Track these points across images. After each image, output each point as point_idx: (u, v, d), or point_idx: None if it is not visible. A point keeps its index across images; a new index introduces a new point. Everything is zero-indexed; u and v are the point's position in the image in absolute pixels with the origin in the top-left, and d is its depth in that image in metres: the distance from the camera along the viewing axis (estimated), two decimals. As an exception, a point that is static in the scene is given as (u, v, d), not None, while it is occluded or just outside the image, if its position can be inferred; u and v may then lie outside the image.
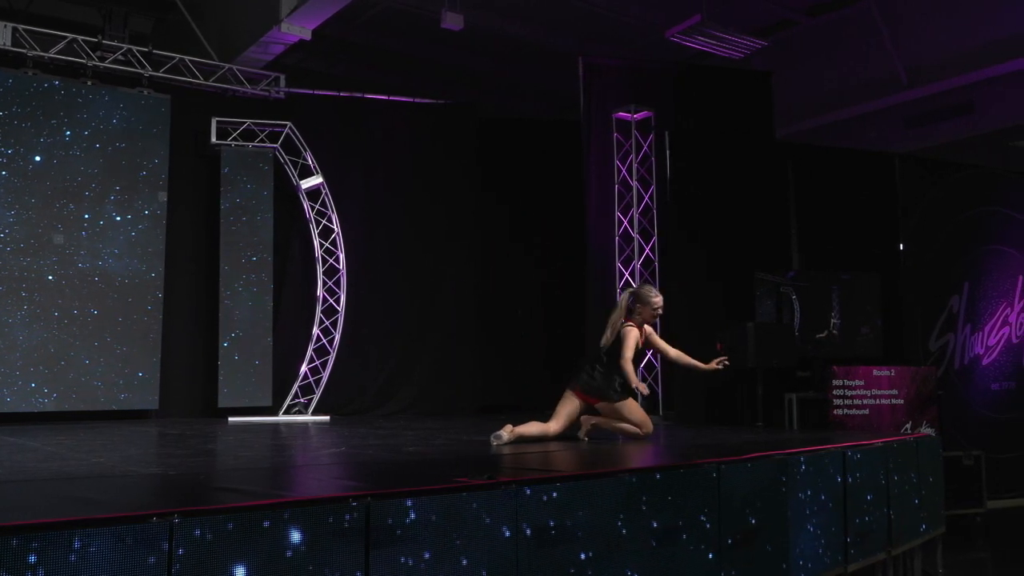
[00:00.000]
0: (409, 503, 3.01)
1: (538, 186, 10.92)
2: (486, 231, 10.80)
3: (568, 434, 6.09)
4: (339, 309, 9.80)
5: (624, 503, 3.70)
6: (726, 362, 5.99)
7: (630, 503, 3.72)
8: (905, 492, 5.55)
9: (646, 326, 6.10)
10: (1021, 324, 9.47)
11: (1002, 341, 9.32)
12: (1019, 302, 9.46)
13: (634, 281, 9.29)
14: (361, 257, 10.10)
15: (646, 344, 6.16)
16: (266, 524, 2.68)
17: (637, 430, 6.00)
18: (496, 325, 10.75)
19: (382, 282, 10.21)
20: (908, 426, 7.36)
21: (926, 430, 7.21)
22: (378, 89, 10.76)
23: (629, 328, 5.97)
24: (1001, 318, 9.32)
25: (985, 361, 9.18)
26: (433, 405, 10.12)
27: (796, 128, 11.97)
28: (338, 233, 9.92)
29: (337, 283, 9.88)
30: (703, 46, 9.89)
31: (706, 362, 6.01)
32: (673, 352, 6.16)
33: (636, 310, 6.04)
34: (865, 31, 10.81)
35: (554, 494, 3.43)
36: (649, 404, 9.11)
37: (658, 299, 6.06)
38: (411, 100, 10.66)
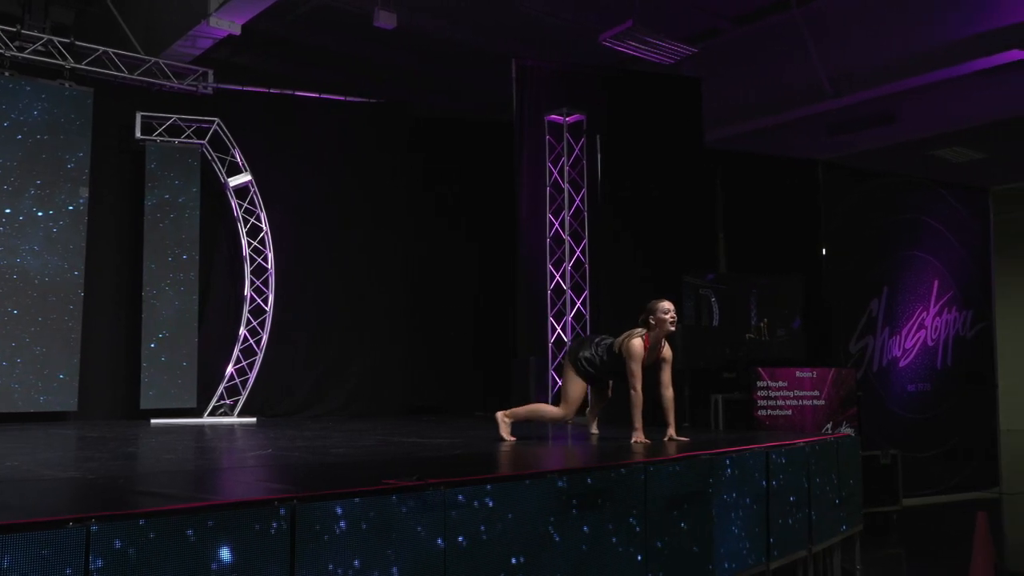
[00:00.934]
0: (336, 506, 2.98)
1: (471, 187, 10.94)
2: (418, 231, 10.78)
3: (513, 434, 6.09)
4: (267, 309, 9.66)
5: (554, 506, 3.72)
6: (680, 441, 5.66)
7: (560, 506, 3.75)
8: (826, 491, 5.69)
9: (666, 348, 5.73)
10: (936, 328, 9.79)
11: (918, 344, 9.63)
12: (935, 306, 9.79)
13: (564, 283, 9.36)
14: (290, 256, 9.98)
15: (652, 364, 5.73)
16: (189, 532, 2.64)
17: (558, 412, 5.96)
18: (427, 326, 10.73)
19: (312, 282, 10.11)
20: (829, 426, 7.56)
21: (846, 430, 7.41)
22: (310, 87, 10.64)
23: (634, 341, 5.61)
24: (917, 322, 9.63)
25: (902, 363, 9.48)
26: (362, 406, 10.05)
27: (724, 133, 12.18)
28: (267, 232, 9.78)
29: (265, 283, 9.74)
30: (634, 51, 10.00)
31: (677, 433, 5.74)
32: (668, 394, 5.71)
33: (650, 323, 5.67)
34: (791, 40, 11.05)
35: (487, 500, 3.43)
36: (580, 407, 9.19)
37: (664, 303, 5.67)
38: (344, 98, 10.57)
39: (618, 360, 5.75)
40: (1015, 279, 17.94)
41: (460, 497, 3.35)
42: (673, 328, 5.69)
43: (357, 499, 3.04)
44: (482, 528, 3.41)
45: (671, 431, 5.73)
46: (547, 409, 6.23)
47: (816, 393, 7.52)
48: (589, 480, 3.89)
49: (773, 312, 8.48)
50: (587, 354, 5.96)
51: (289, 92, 10.30)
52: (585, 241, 9.47)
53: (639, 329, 5.73)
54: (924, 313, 9.70)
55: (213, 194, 9.77)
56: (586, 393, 6.10)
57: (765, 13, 11.17)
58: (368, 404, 10.10)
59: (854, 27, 10.68)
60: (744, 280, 8.69)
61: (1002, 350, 10.60)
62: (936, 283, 9.84)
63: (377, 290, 10.40)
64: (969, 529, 5.33)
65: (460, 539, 3.32)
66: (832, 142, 12.62)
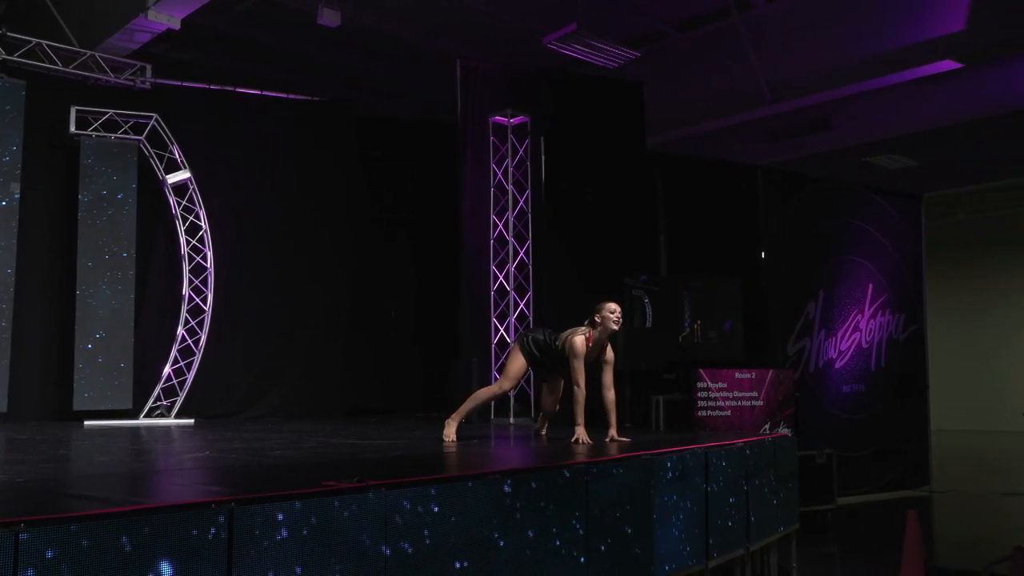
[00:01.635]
0: (276, 510, 2.94)
1: (414, 187, 10.90)
2: (360, 231, 10.70)
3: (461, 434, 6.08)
4: (206, 308, 9.50)
5: (498, 508, 3.72)
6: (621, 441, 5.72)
7: (504, 508, 3.74)
8: (764, 490, 5.79)
9: (608, 350, 5.82)
10: (871, 330, 10.02)
11: (853, 346, 9.84)
12: (869, 309, 10.02)
13: (508, 284, 9.37)
14: (230, 255, 9.82)
15: (593, 363, 5.82)
16: (124, 540, 2.57)
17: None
18: (368, 326, 10.66)
19: (252, 281, 9.96)
20: (767, 427, 7.68)
21: (783, 430, 7.54)
22: (252, 83, 10.49)
23: (576, 338, 5.71)
24: (853, 324, 9.85)
25: (838, 365, 9.68)
26: (303, 407, 9.94)
27: (667, 137, 12.32)
28: (206, 230, 9.62)
29: (204, 282, 9.58)
30: (579, 54, 10.07)
31: (618, 434, 5.78)
32: (610, 396, 5.79)
33: (596, 321, 5.78)
34: (732, 47, 11.22)
35: (430, 503, 3.42)
36: (522, 408, 9.22)
37: (611, 304, 5.80)
38: (286, 96, 10.45)
39: (562, 354, 5.86)
40: (946, 283, 18.46)
41: (403, 500, 3.33)
42: (616, 327, 5.79)
43: (298, 503, 3.00)
44: (426, 532, 3.39)
45: (613, 432, 5.79)
46: (483, 391, 6.35)
47: (755, 394, 7.64)
48: (533, 484, 3.90)
49: (706, 314, 8.57)
50: (538, 336, 6.04)
51: (230, 88, 10.14)
52: (529, 242, 9.50)
53: (583, 328, 5.83)
54: (859, 316, 9.92)
55: (151, 191, 9.57)
56: (525, 372, 6.14)
57: (708, 20, 11.33)
58: (308, 405, 9.99)
59: (793, 35, 10.88)
60: (677, 282, 8.78)
61: (933, 352, 10.89)
62: (871, 287, 10.07)
63: (318, 290, 10.29)
64: (901, 527, 5.46)
65: (404, 545, 3.30)
66: (772, 148, 12.85)
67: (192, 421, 9.10)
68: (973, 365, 19.29)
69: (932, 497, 9.94)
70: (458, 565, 3.49)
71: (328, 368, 10.23)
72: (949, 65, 10.12)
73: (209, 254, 9.60)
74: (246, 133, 10.13)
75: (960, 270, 19.72)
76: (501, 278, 9.45)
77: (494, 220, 9.53)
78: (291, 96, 10.47)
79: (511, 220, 9.49)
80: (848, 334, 9.79)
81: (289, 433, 7.14)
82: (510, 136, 9.61)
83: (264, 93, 10.30)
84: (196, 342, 9.42)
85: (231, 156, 10.03)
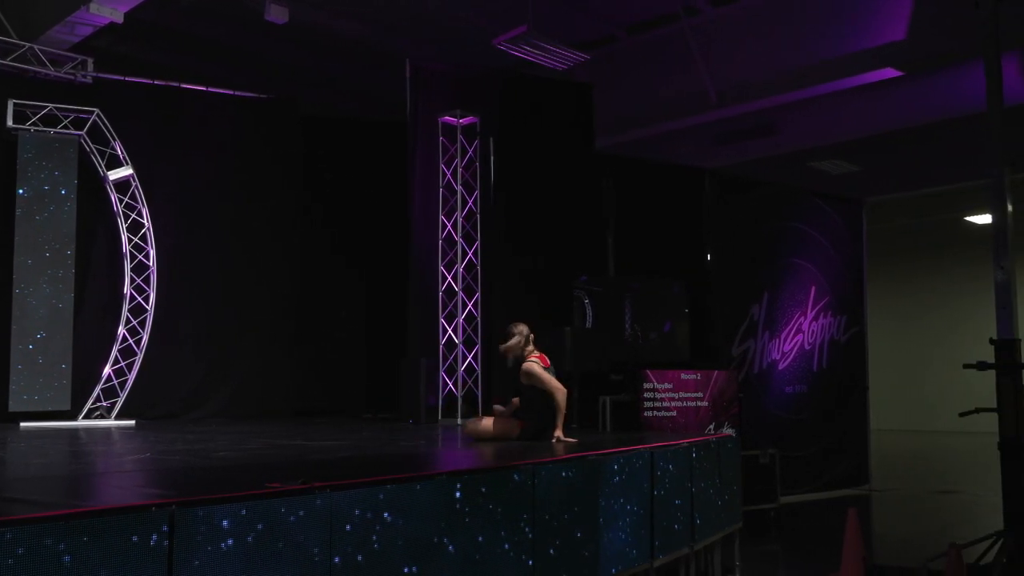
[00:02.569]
0: (220, 515, 2.90)
1: (362, 187, 10.83)
2: (307, 230, 10.60)
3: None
4: (148, 308, 9.34)
5: (445, 509, 3.70)
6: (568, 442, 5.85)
7: (452, 509, 3.73)
8: (708, 490, 5.86)
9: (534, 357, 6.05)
10: (813, 332, 10.20)
11: (796, 347, 10.01)
12: (812, 311, 10.19)
13: (456, 285, 9.36)
14: (173, 254, 9.66)
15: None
16: (62, 547, 2.51)
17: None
18: (315, 327, 10.57)
19: (195, 280, 9.81)
20: (712, 427, 7.77)
21: (727, 430, 7.63)
22: (197, 79, 10.33)
23: (527, 364, 5.92)
24: (795, 326, 10.01)
25: (781, 366, 9.83)
26: (248, 409, 9.82)
27: (616, 140, 12.40)
28: (148, 228, 9.45)
29: (146, 280, 9.41)
30: (529, 56, 10.08)
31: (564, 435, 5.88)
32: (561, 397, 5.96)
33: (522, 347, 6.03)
34: (681, 52, 11.34)
35: (376, 504, 3.39)
36: (470, 408, 9.22)
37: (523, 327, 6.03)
38: (232, 92, 10.31)
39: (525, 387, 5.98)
40: (885, 286, 18.85)
41: (349, 502, 3.30)
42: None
43: (244, 511, 2.95)
44: (374, 538, 3.36)
45: (558, 432, 5.82)
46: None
47: (700, 395, 7.73)
48: (483, 488, 3.89)
49: (648, 316, 8.64)
50: None
51: (175, 84, 9.98)
52: (478, 243, 9.50)
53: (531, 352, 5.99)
54: (802, 318, 10.09)
55: (92, 188, 9.37)
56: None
57: (657, 24, 11.43)
58: (253, 406, 9.87)
59: (739, 42, 11.04)
60: (619, 284, 8.83)
61: (873, 353, 11.10)
62: (813, 289, 10.24)
63: (264, 290, 10.18)
64: (841, 525, 5.56)
65: (349, 548, 3.27)
66: (719, 151, 13.01)
67: (133, 423, 8.93)
68: (911, 366, 19.75)
69: (871, 496, 10.14)
70: (406, 570, 3.47)
71: (274, 369, 10.12)
72: (890, 73, 10.34)
73: (152, 252, 9.43)
74: (190, 130, 9.98)
75: (899, 273, 20.19)
76: (450, 278, 9.43)
77: (443, 220, 9.51)
78: (237, 93, 10.34)
79: (460, 221, 9.48)
80: (791, 336, 9.95)
81: (234, 435, 7.05)
82: (459, 136, 9.60)
83: (209, 89, 10.16)
84: (138, 342, 9.25)
85: (175, 153, 9.87)
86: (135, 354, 9.22)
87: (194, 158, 9.96)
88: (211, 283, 9.89)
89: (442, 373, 9.29)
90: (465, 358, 9.33)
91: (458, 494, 3.77)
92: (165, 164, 9.78)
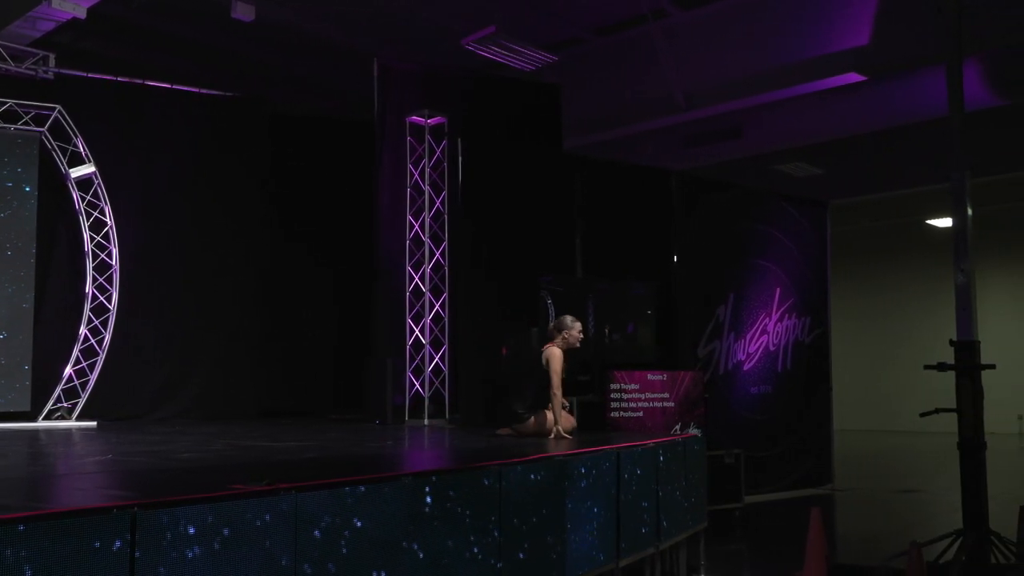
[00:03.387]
0: (181, 514, 2.86)
1: (329, 186, 10.76)
2: (273, 230, 10.51)
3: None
4: (110, 307, 9.21)
5: (412, 509, 3.69)
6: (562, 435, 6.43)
7: (418, 510, 3.72)
8: (673, 490, 5.89)
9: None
10: (778, 333, 10.29)
11: (761, 348, 10.09)
12: (776, 312, 10.29)
13: (423, 285, 9.33)
14: (136, 253, 9.54)
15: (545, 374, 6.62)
16: (23, 553, 2.47)
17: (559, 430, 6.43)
18: (281, 327, 10.49)
19: (159, 280, 9.69)
20: (678, 427, 7.80)
21: (693, 431, 7.66)
22: (161, 76, 10.21)
23: (554, 350, 6.58)
24: (761, 327, 10.10)
25: (746, 367, 9.91)
26: (212, 409, 9.71)
27: (584, 141, 12.45)
28: (111, 226, 9.32)
29: (109, 280, 9.28)
30: (497, 56, 10.11)
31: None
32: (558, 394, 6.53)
33: (564, 336, 6.69)
34: (648, 54, 11.41)
35: (344, 506, 3.37)
36: (437, 409, 9.20)
37: (579, 324, 6.75)
38: (197, 90, 10.19)
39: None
40: (848, 287, 19.09)
41: (315, 504, 3.27)
42: (578, 346, 6.80)
43: (209, 514, 2.92)
44: (342, 543, 3.34)
45: (557, 426, 6.45)
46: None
47: (666, 395, 7.76)
48: (451, 492, 3.88)
49: (612, 317, 8.66)
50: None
51: (139, 81, 9.85)
52: (445, 243, 9.48)
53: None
54: (767, 319, 10.18)
55: (53, 186, 9.23)
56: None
57: (625, 26, 11.49)
58: (218, 407, 9.76)
59: (706, 45, 11.12)
60: (581, 284, 8.84)
61: (836, 354, 11.22)
62: (778, 291, 10.34)
63: (229, 289, 10.07)
64: (805, 524, 5.62)
65: (316, 553, 3.24)
66: (686, 154, 13.10)
67: (95, 424, 8.81)
68: (873, 367, 20.02)
69: (834, 495, 10.25)
70: (375, 574, 3.45)
71: (239, 369, 10.03)
72: (854, 78, 10.47)
73: (114, 251, 9.31)
74: (155, 127, 9.86)
75: (862, 275, 20.45)
76: (417, 279, 9.41)
77: (410, 221, 9.48)
78: (202, 91, 10.23)
79: (427, 221, 9.45)
80: (756, 337, 10.04)
81: (197, 435, 6.98)
82: (427, 136, 9.57)
83: (174, 87, 10.04)
84: (100, 342, 9.12)
85: (138, 151, 9.74)
86: (97, 354, 9.10)
87: (158, 156, 9.84)
88: (175, 282, 9.77)
89: (409, 373, 9.26)
90: (432, 358, 9.31)
91: (428, 498, 3.76)
92: (128, 162, 9.65)
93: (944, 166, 6.50)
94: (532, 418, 6.62)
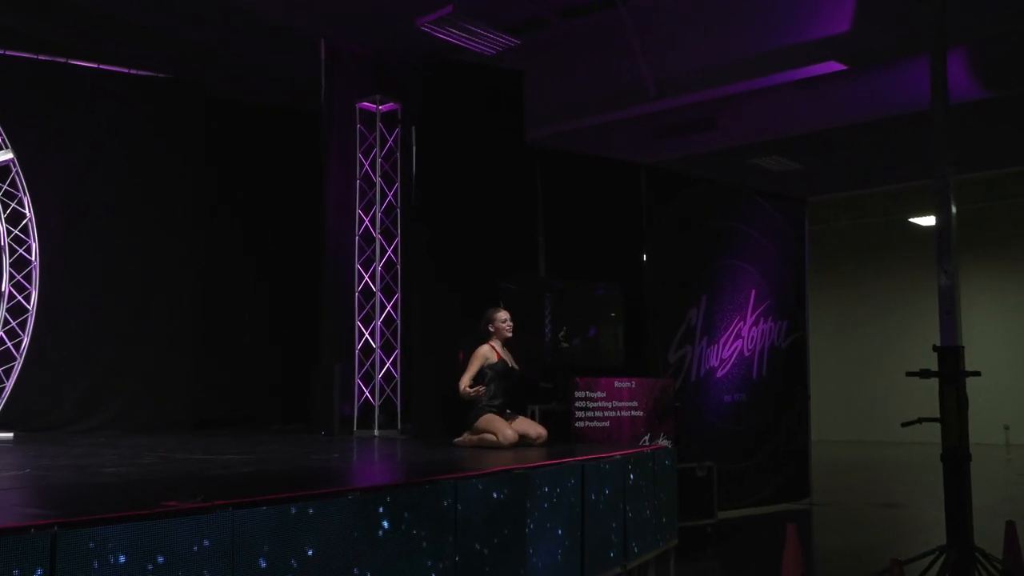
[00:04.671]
0: (107, 533, 2.82)
1: (271, 178, 10.68)
2: (209, 225, 10.40)
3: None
4: (29, 308, 9.06)
5: (362, 527, 3.66)
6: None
7: (367, 527, 3.70)
8: (642, 505, 5.92)
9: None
10: (753, 338, 10.39)
11: (735, 354, 10.19)
12: (751, 316, 10.39)
13: (374, 285, 9.29)
14: (59, 249, 9.39)
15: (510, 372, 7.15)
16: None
17: (494, 439, 6.67)
18: (219, 330, 10.38)
19: (83, 278, 9.54)
20: (647, 438, 7.85)
21: (663, 441, 7.71)
22: (87, 55, 10.05)
23: (479, 348, 7.03)
24: (735, 331, 10.19)
25: (719, 373, 10.00)
26: (142, 420, 9.58)
27: (548, 131, 12.46)
28: (31, 219, 9.17)
29: (28, 277, 9.12)
30: (455, 39, 10.08)
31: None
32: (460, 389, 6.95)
33: (488, 330, 7.16)
34: (617, 38, 11.45)
35: (287, 524, 3.34)
36: (388, 419, 9.16)
37: (502, 312, 7.18)
38: (127, 71, 10.06)
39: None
40: (826, 290, 19.33)
41: (255, 521, 3.24)
42: (510, 335, 7.19)
43: (138, 533, 2.88)
44: (293, 563, 3.31)
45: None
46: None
47: (634, 404, 7.80)
48: (406, 511, 3.86)
49: (573, 320, 8.68)
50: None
51: (62, 60, 9.69)
52: (397, 239, 9.45)
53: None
54: (741, 323, 10.27)
55: (-34, 174, 9.06)
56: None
57: (592, 8, 11.52)
58: (149, 417, 9.64)
59: (679, 29, 11.19)
60: (538, 284, 8.85)
61: (814, 361, 11.36)
62: (753, 292, 10.44)
63: (162, 288, 9.94)
64: (781, 540, 5.68)
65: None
66: (655, 146, 13.17)
67: (11, 435, 8.64)
68: (852, 374, 20.31)
69: (812, 510, 10.38)
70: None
71: (173, 375, 9.91)
72: (834, 67, 10.60)
73: (34, 246, 9.15)
74: (80, 111, 9.70)
75: (841, 276, 20.73)
76: (367, 278, 9.36)
77: (360, 215, 9.44)
78: (133, 71, 10.09)
79: (379, 215, 9.42)
80: (730, 341, 10.13)
81: (126, 448, 6.89)
82: (379, 124, 9.53)
83: (102, 67, 9.89)
84: (17, 345, 8.97)
85: (62, 136, 9.58)
86: (14, 359, 8.94)
87: (84, 143, 9.68)
88: (102, 281, 9.63)
89: (358, 380, 9.21)
90: (383, 364, 9.27)
91: (375, 509, 3.74)
92: (51, 149, 9.49)
93: (927, 161, 6.61)
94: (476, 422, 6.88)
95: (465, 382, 6.86)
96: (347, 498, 3.66)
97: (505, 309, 7.30)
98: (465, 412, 6.98)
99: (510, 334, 7.21)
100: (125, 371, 9.68)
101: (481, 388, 6.84)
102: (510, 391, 7.15)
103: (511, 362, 7.20)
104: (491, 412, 6.87)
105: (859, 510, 10.57)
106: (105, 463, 5.61)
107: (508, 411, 7.03)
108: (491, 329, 7.15)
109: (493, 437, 6.68)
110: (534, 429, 6.98)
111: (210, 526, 3.11)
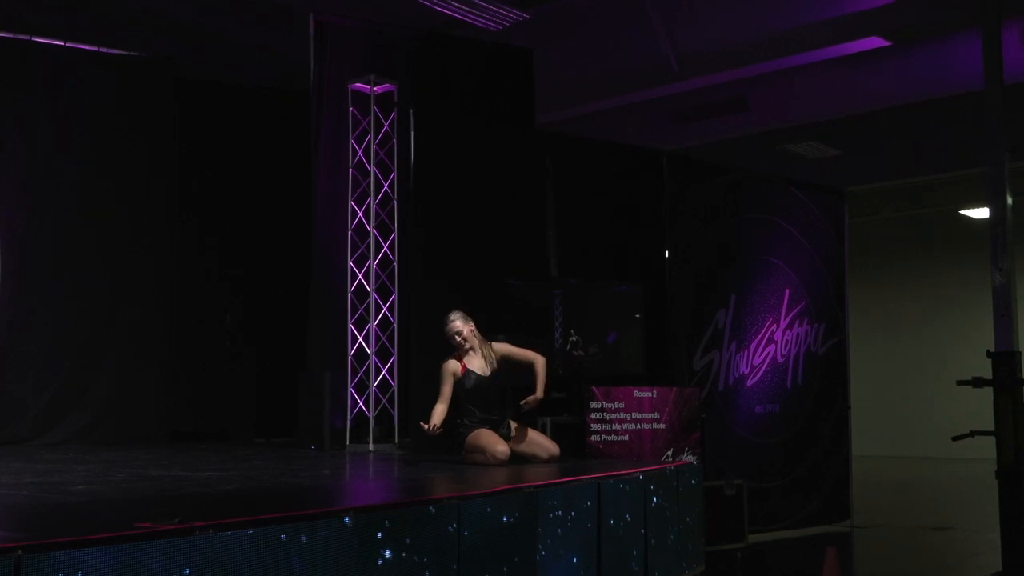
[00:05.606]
0: (75, 558, 2.83)
1: (254, 168, 10.67)
2: (185, 219, 10.41)
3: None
4: (-10, 310, 9.09)
5: (357, 550, 3.67)
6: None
7: (365, 551, 3.70)
8: (664, 527, 5.92)
9: (497, 345, 7.13)
10: (787, 342, 10.37)
11: (767, 360, 10.17)
12: (785, 318, 10.37)
13: (368, 284, 9.30)
14: (20, 246, 9.41)
15: (509, 364, 7.10)
16: None
17: (483, 457, 6.63)
18: (196, 334, 10.39)
19: (48, 278, 9.56)
20: (670, 453, 7.85)
21: (688, 457, 7.72)
22: (53, 32, 10.07)
23: (445, 364, 6.95)
24: (767, 335, 10.17)
25: (750, 382, 9.97)
26: (112, 432, 9.60)
27: (560, 116, 12.46)
28: (-9, 212, 9.20)
29: (-12, 276, 9.16)
30: (458, 13, 10.09)
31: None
32: (540, 361, 7.08)
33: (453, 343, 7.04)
34: (636, 12, 11.44)
35: (276, 549, 3.35)
36: (384, 432, 9.17)
37: (447, 327, 7.03)
38: (96, 49, 10.07)
39: None
40: (869, 290, 19.26)
41: (237, 545, 3.24)
42: (463, 347, 7.00)
43: (110, 557, 2.89)
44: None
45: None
46: None
47: (656, 415, 7.80)
48: (407, 536, 3.86)
49: (588, 324, 8.66)
50: None
51: (24, 37, 9.71)
52: (394, 234, 9.45)
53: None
54: (775, 326, 10.25)
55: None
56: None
57: (609, -22, 11.51)
58: (120, 430, 9.66)
59: (704, 1, 11.17)
60: (548, 284, 8.82)
61: (855, 368, 11.33)
62: (788, 292, 10.42)
63: (131, 288, 9.95)
64: (818, 567, 5.67)
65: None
66: (679, 131, 13.15)
67: (-30, 450, 8.69)
68: (897, 382, 20.22)
69: (853, 533, 10.36)
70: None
71: (144, 384, 9.93)
72: (876, 43, 10.57)
73: (-5, 242, 9.19)
74: (42, 93, 9.71)
75: (883, 275, 20.65)
76: (360, 277, 9.37)
77: (353, 207, 9.44)
78: (102, 49, 10.11)
79: (373, 207, 9.42)
80: (762, 346, 10.10)
81: (96, 464, 6.91)
82: (373, 107, 9.54)
83: (68, 44, 9.91)
84: (-24, 352, 9.01)
85: (21, 121, 9.59)
86: (-27, 366, 8.98)
87: (46, 129, 9.69)
88: (68, 281, 9.65)
89: (351, 389, 9.22)
90: (379, 371, 9.28)
91: (371, 532, 3.74)
92: (9, 136, 9.52)
93: (980, 147, 6.59)
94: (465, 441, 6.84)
95: (437, 415, 6.69)
96: (342, 520, 3.67)
97: (458, 315, 7.10)
98: (454, 432, 6.94)
99: (463, 347, 7.00)
100: (92, 379, 9.70)
101: (438, 427, 6.66)
102: (498, 401, 7.02)
103: (492, 367, 6.99)
104: (478, 428, 6.81)
105: (905, 533, 10.54)
106: (73, 480, 5.63)
107: (511, 423, 6.97)
108: (447, 337, 7.06)
109: (482, 456, 6.63)
110: (544, 447, 6.93)
111: (189, 550, 3.12)
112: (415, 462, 7.30)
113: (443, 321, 7.06)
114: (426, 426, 6.55)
